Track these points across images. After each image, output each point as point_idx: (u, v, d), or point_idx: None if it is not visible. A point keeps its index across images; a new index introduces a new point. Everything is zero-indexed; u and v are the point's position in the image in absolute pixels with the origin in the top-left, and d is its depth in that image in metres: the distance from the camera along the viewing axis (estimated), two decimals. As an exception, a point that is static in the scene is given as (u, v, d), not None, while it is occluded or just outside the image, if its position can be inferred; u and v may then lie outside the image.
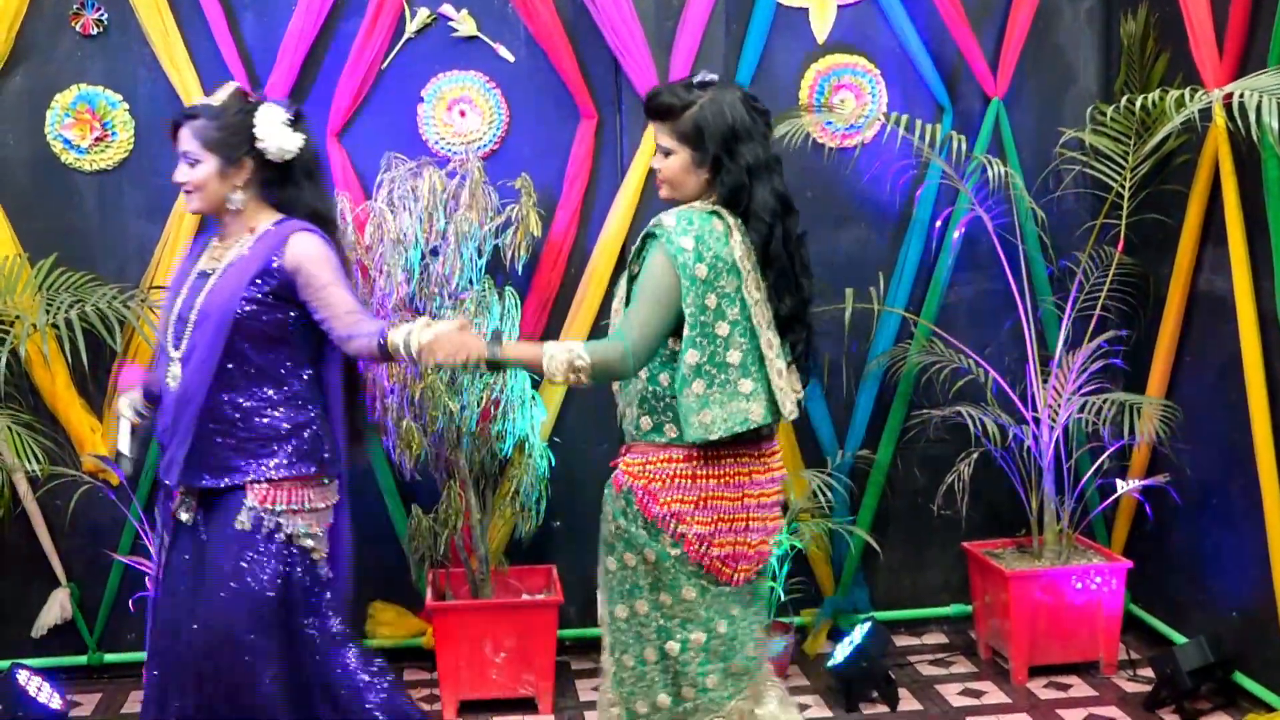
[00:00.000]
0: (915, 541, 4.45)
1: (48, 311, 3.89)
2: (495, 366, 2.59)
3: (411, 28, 4.14)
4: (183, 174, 2.85)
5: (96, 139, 4.09)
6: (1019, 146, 4.37)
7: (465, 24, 4.16)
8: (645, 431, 2.66)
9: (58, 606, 4.18)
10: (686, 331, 2.53)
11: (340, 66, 4.12)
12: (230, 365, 2.80)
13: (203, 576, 2.84)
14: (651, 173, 4.03)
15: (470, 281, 3.94)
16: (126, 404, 3.03)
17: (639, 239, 2.63)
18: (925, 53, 4.29)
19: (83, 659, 4.24)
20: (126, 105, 4.09)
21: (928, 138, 4.04)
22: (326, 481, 2.91)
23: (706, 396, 2.54)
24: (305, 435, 2.85)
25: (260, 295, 2.79)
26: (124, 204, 4.14)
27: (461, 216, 3.90)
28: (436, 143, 4.18)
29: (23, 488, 4.07)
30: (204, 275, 2.87)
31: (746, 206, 2.59)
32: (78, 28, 4.05)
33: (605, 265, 4.17)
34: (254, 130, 2.82)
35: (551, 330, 4.20)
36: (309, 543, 2.87)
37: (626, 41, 4.09)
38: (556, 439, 4.17)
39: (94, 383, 4.09)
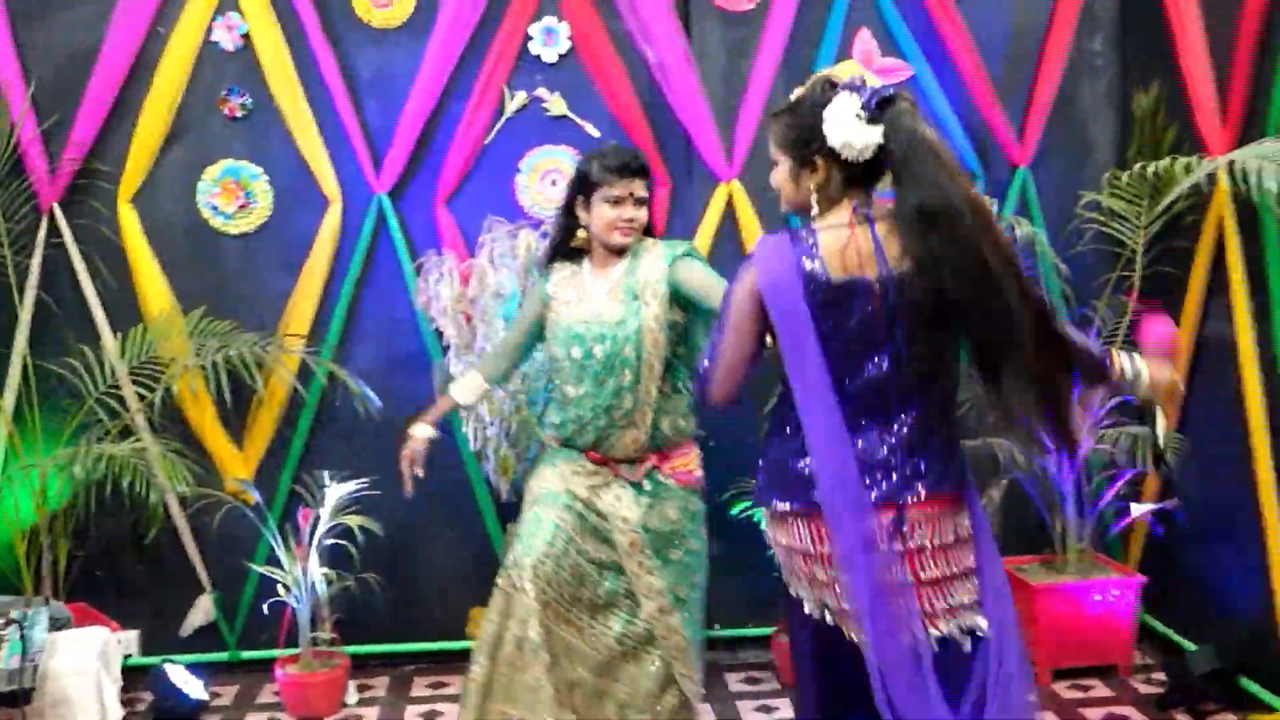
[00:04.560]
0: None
1: (198, 355, 4.23)
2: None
3: (510, 109, 4.48)
4: (771, 177, 2.49)
5: (240, 206, 4.45)
6: (1043, 208, 4.60)
7: (556, 105, 4.50)
8: (688, 430, 3.34)
9: (202, 610, 4.47)
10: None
11: (449, 142, 4.42)
12: None
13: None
14: (718, 233, 4.46)
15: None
16: None
17: None
18: (959, 126, 4.55)
19: (224, 656, 4.54)
20: (266, 177, 4.44)
21: (961, 201, 4.39)
22: None
23: None
24: None
25: None
26: (263, 262, 4.46)
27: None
28: (531, 207, 4.50)
29: (174, 507, 4.41)
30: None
31: None
32: (224, 111, 4.43)
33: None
34: (822, 126, 2.32)
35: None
36: None
37: (696, 117, 4.44)
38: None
39: (236, 417, 4.45)
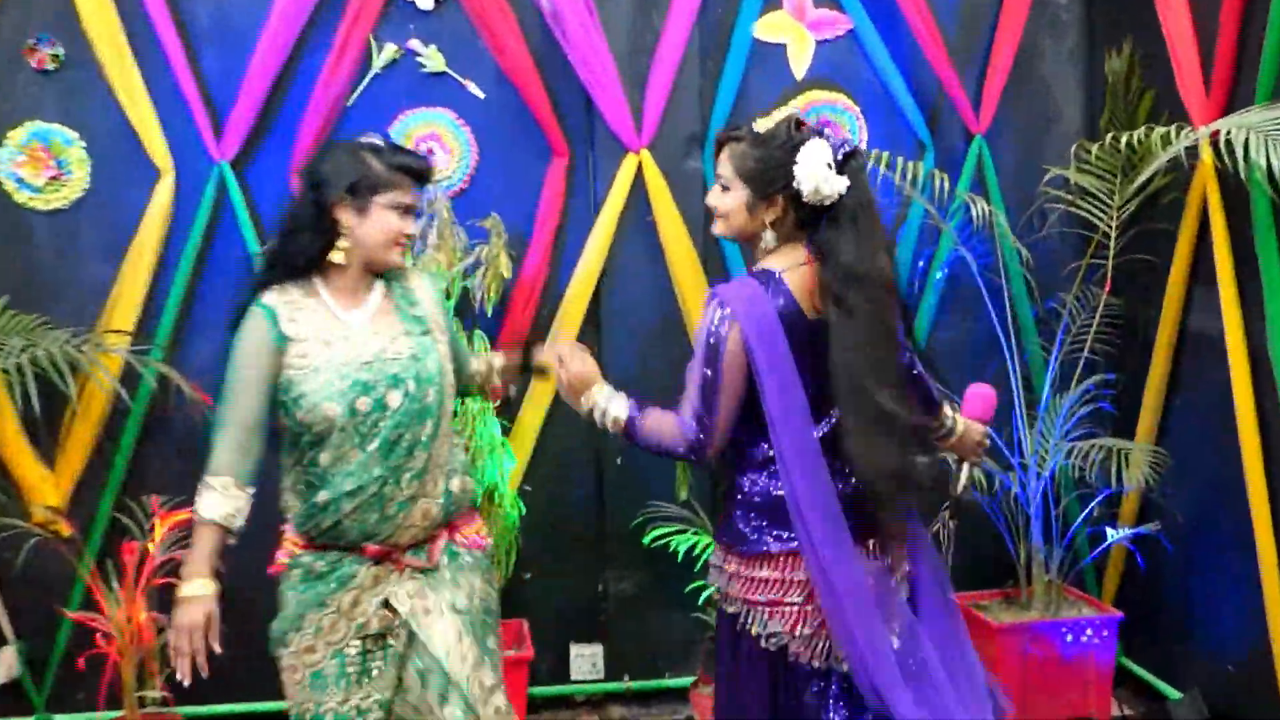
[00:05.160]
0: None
1: (-2, 355, 3.88)
2: None
3: (378, 63, 4.12)
4: (713, 197, 2.62)
5: (51, 177, 4.05)
6: (1002, 184, 4.36)
7: (433, 59, 4.14)
8: (474, 494, 2.90)
9: (4, 665, 4.09)
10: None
11: (305, 102, 4.06)
12: None
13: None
14: (625, 211, 4.13)
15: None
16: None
17: None
18: (906, 89, 4.29)
19: (31, 720, 4.20)
20: (83, 143, 4.04)
21: (909, 175, 4.06)
22: None
23: None
24: None
25: None
26: (80, 245, 4.08)
27: (429, 257, 3.86)
28: (404, 180, 4.14)
29: (-31, 540, 4.01)
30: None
31: None
32: (32, 63, 4.01)
33: (577, 307, 4.14)
34: (794, 168, 2.49)
35: (522, 374, 4.15)
36: None
37: (599, 77, 4.07)
38: (527, 487, 4.10)
39: (46, 430, 4.00)
